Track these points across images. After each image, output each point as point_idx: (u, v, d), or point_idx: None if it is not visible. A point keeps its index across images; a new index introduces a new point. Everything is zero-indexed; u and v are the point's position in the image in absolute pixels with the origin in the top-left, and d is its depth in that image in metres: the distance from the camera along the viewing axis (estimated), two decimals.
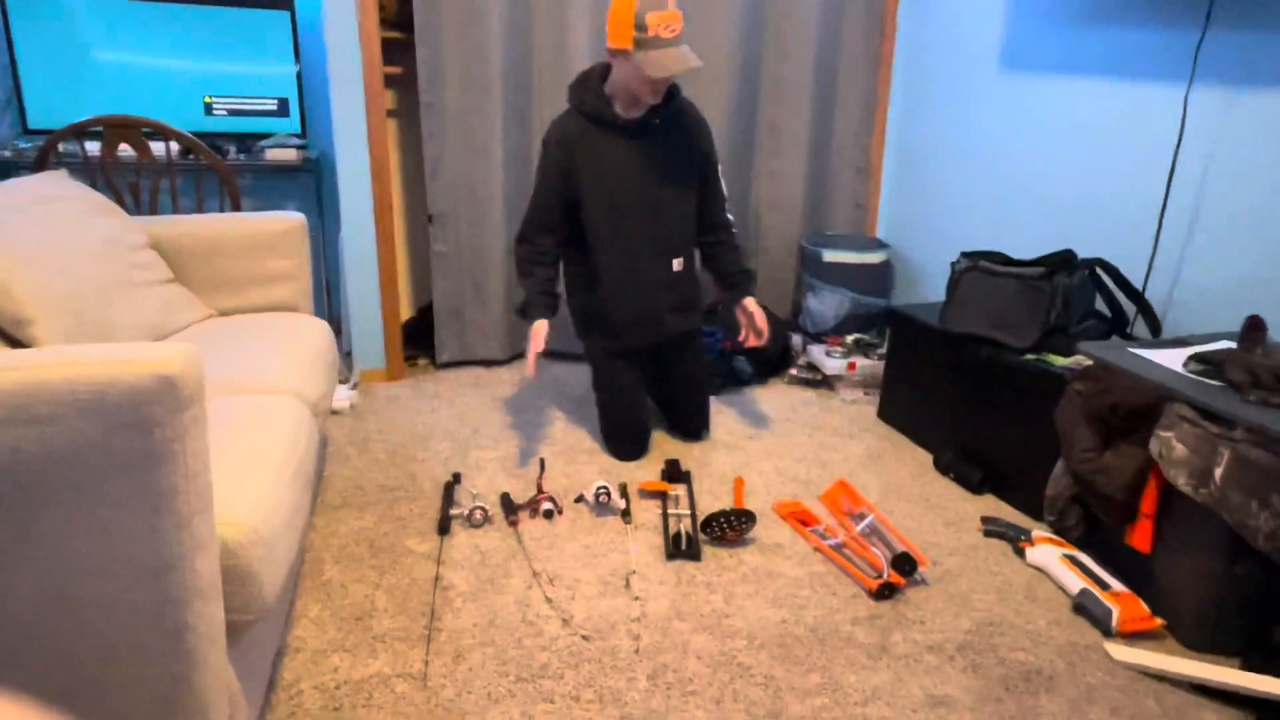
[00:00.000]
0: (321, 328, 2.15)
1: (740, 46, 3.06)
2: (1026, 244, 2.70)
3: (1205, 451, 1.58)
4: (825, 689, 1.58)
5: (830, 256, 3.07)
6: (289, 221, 2.24)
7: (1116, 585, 1.83)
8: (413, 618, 1.74)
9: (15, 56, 2.87)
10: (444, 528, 2.05)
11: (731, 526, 2.01)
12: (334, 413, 2.71)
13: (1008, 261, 2.35)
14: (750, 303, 2.47)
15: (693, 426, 2.61)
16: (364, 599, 1.80)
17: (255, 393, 1.71)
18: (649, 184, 2.33)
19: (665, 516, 2.14)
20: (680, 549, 1.99)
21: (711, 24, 3.01)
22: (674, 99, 2.35)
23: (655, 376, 2.59)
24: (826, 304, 3.11)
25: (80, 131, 2.47)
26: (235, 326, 2.09)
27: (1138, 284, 2.30)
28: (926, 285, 3.21)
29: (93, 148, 2.68)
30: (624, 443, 2.47)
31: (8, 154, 2.84)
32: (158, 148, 2.61)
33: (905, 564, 1.88)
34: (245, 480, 1.30)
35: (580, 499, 2.21)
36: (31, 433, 0.96)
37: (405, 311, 3.27)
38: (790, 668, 1.63)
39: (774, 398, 2.96)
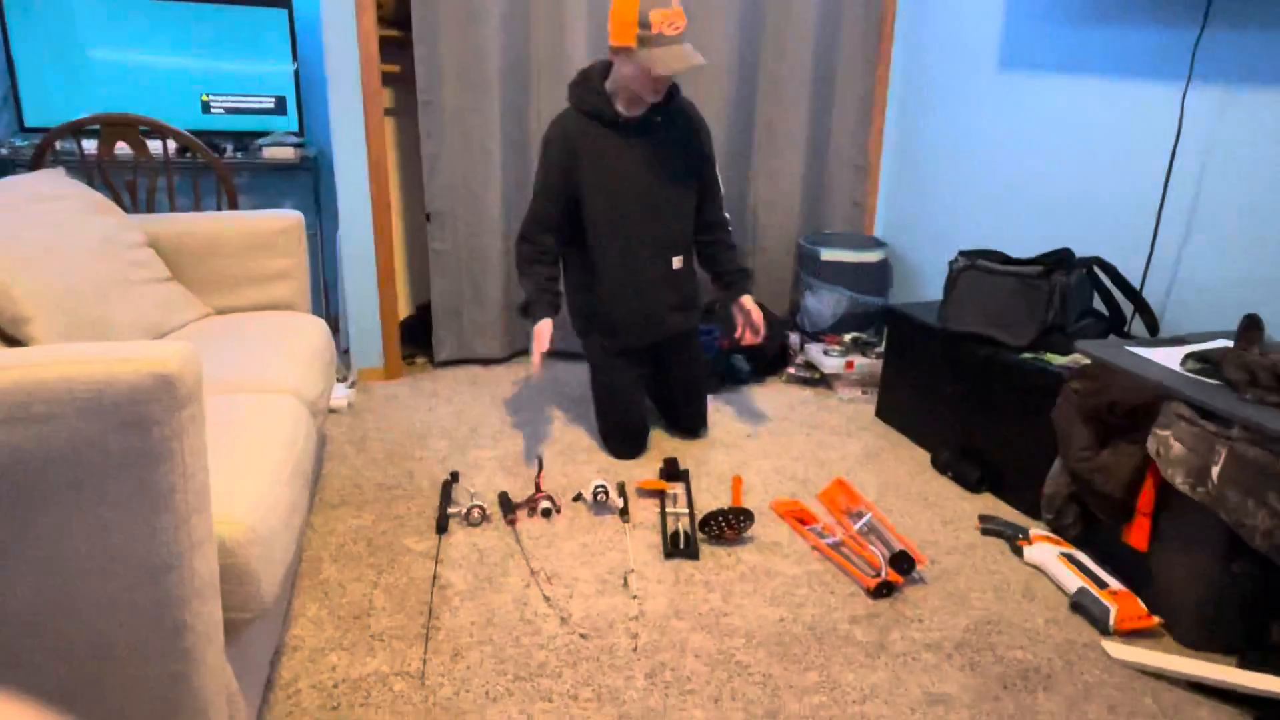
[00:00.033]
0: (319, 326, 2.15)
1: (738, 45, 3.06)
2: (1024, 243, 2.70)
3: (1202, 450, 1.58)
4: (823, 687, 1.58)
5: (828, 255, 3.07)
6: (287, 220, 2.24)
7: (1114, 583, 1.83)
8: (411, 616, 1.74)
9: (12, 54, 2.86)
10: (442, 526, 2.05)
11: (729, 525, 2.01)
12: (332, 411, 2.71)
13: (1005, 260, 2.35)
14: (747, 300, 2.49)
15: (690, 425, 2.61)
16: (362, 598, 1.80)
17: (253, 391, 1.71)
18: (650, 182, 2.33)
19: (663, 515, 2.14)
20: (678, 548, 2.00)
21: (710, 23, 3.01)
22: (674, 98, 2.35)
23: (653, 375, 2.59)
24: (824, 303, 3.11)
25: (77, 130, 2.47)
26: (233, 325, 2.09)
27: (1135, 283, 2.30)
28: (924, 284, 3.21)
29: (90, 146, 2.67)
30: (622, 441, 2.47)
31: (4, 152, 2.83)
32: (155, 146, 2.61)
33: (903, 562, 1.88)
34: (243, 479, 1.30)
35: (578, 497, 2.21)
36: (29, 432, 0.96)
37: (403, 310, 3.27)
38: (788, 666, 1.63)
39: (772, 396, 2.96)
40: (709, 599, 1.83)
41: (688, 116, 2.41)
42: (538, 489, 2.21)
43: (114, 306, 1.83)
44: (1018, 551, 2.03)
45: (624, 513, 2.15)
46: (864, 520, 2.09)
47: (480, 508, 2.09)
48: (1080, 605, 1.81)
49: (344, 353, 3.03)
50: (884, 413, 2.79)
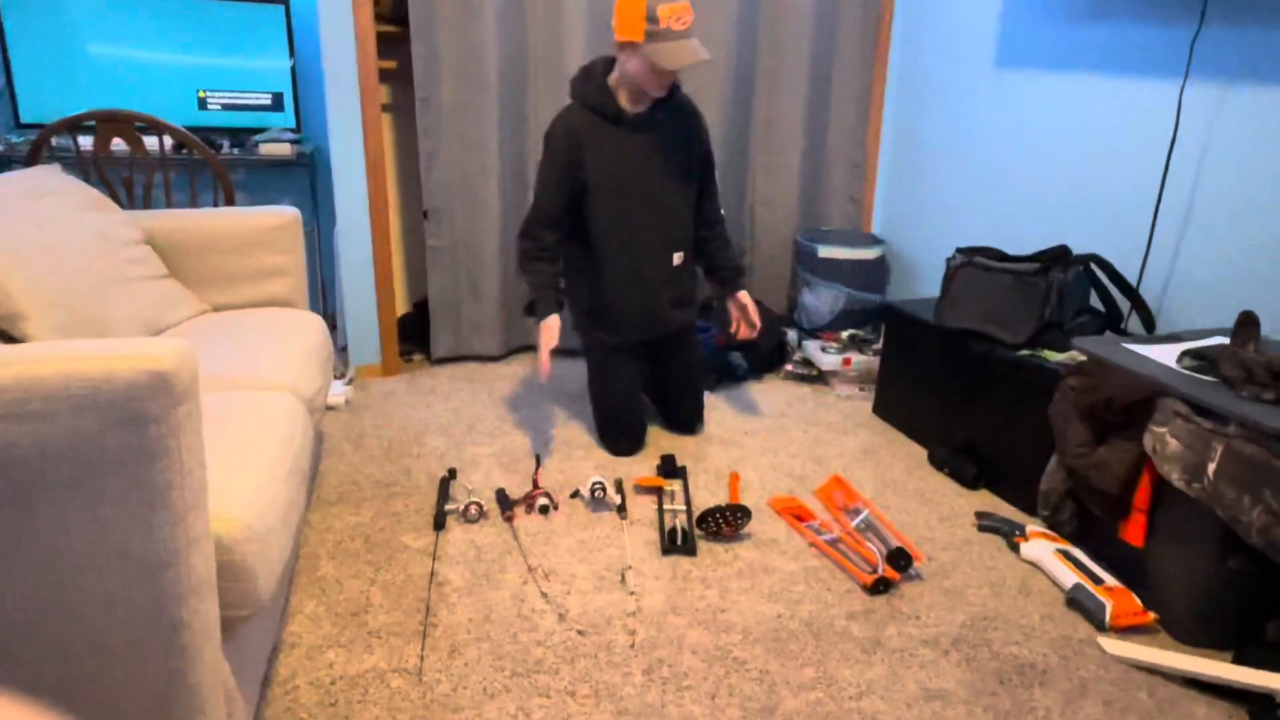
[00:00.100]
0: (316, 323, 2.15)
1: (736, 42, 3.06)
2: (1021, 240, 2.71)
3: (1198, 447, 1.59)
4: (820, 683, 1.59)
5: (825, 252, 3.07)
6: (283, 216, 2.24)
7: (1110, 580, 1.84)
8: (408, 613, 1.74)
9: (7, 50, 2.85)
10: (439, 523, 2.05)
11: (727, 522, 2.02)
12: (329, 408, 2.71)
13: (1003, 257, 2.35)
14: (744, 296, 2.51)
15: (687, 420, 2.62)
16: (359, 594, 1.80)
17: (250, 388, 1.70)
18: (652, 178, 2.34)
19: (661, 512, 2.14)
20: (676, 544, 2.00)
21: (708, 20, 3.00)
22: (675, 94, 2.36)
23: (651, 371, 2.59)
24: (821, 299, 3.11)
25: (73, 126, 2.46)
26: (230, 322, 2.09)
27: (1132, 280, 2.31)
28: (922, 281, 3.22)
29: (86, 142, 2.67)
30: (620, 438, 2.47)
31: (0, 148, 2.82)
32: (151, 142, 2.60)
33: (900, 559, 1.89)
34: (240, 476, 1.30)
35: (576, 494, 2.22)
36: (26, 429, 0.96)
37: (400, 307, 3.26)
38: (785, 662, 1.64)
39: (769, 393, 2.96)
40: (706, 595, 1.83)
41: (689, 113, 2.41)
42: (535, 486, 2.21)
43: (110, 303, 1.83)
44: (1014, 548, 2.03)
45: (621, 509, 2.15)
46: (861, 517, 2.10)
47: (478, 504, 2.09)
48: (1076, 601, 1.82)
49: (341, 349, 3.02)
50: (881, 409, 2.80)
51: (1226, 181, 2.08)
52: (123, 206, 2.30)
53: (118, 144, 2.57)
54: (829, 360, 2.99)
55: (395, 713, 1.48)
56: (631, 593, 1.83)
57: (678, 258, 2.44)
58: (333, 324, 3.22)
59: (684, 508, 2.17)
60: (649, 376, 2.61)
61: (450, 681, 1.56)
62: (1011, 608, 1.83)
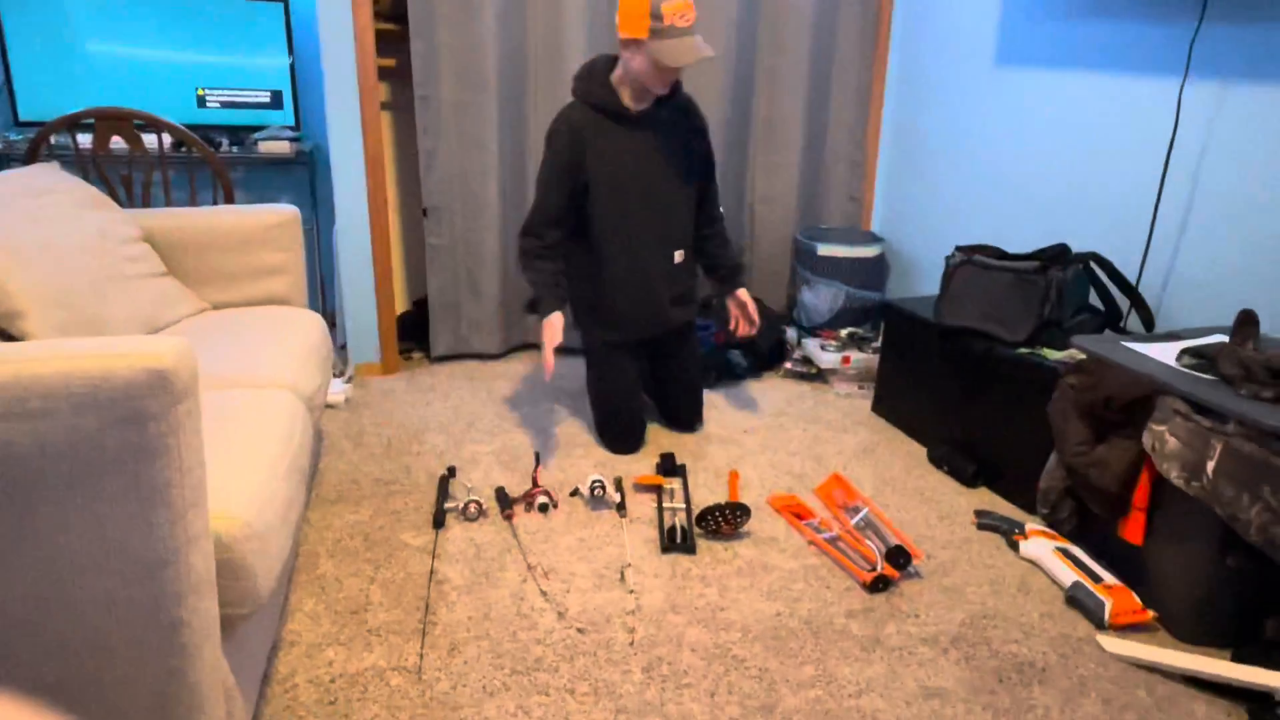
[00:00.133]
0: (316, 321, 2.15)
1: (736, 40, 3.05)
2: (1021, 238, 2.71)
3: (1197, 445, 1.59)
4: (819, 681, 1.59)
5: (825, 250, 3.07)
6: (283, 214, 2.23)
7: (1109, 578, 1.84)
8: (408, 611, 1.74)
9: (6, 48, 2.85)
10: (439, 521, 2.05)
11: (726, 520, 2.02)
12: (329, 406, 2.71)
13: (1002, 255, 2.35)
14: (743, 293, 2.52)
15: (686, 418, 2.62)
16: (359, 593, 1.80)
17: (249, 387, 1.70)
18: (655, 176, 2.34)
19: (660, 510, 2.14)
20: (675, 542, 2.00)
21: (708, 18, 3.00)
22: (677, 92, 2.36)
23: (650, 369, 2.60)
24: (821, 298, 3.11)
25: (72, 123, 2.46)
26: (229, 320, 2.09)
27: (1131, 278, 2.31)
28: (921, 279, 3.22)
29: (84, 140, 2.67)
30: (620, 436, 2.47)
31: None
32: (150, 140, 2.60)
33: (899, 557, 1.89)
34: (239, 474, 1.30)
35: (575, 492, 2.22)
36: (24, 427, 0.96)
37: (400, 305, 3.26)
38: (784, 660, 1.64)
39: (769, 392, 2.96)
40: (705, 593, 1.83)
41: (690, 112, 2.42)
42: (534, 484, 2.21)
43: (109, 301, 1.83)
44: (1013, 546, 2.04)
45: (621, 508, 2.15)
46: (860, 515, 2.10)
47: (477, 503, 2.09)
48: (1075, 599, 1.82)
49: (341, 348, 3.02)
50: (880, 408, 2.80)
51: (1226, 180, 2.08)
52: (122, 204, 2.30)
53: (117, 142, 2.57)
54: (828, 358, 2.99)
55: (395, 711, 1.48)
56: (631, 591, 1.83)
57: (679, 256, 2.44)
58: (332, 322, 3.21)
59: (683, 506, 2.17)
60: (648, 375, 2.61)
61: (450, 679, 1.56)
62: (1011, 606, 1.83)
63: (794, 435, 2.62)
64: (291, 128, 3.14)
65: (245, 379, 1.74)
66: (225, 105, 3.09)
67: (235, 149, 3.05)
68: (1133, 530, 1.80)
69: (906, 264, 3.29)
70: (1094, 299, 2.36)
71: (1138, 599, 1.78)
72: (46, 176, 1.96)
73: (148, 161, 2.55)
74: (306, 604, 1.75)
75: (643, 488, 2.27)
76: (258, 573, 1.23)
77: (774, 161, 3.27)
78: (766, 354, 3.09)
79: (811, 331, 3.17)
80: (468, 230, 2.97)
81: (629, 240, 2.36)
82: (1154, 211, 2.25)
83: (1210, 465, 1.56)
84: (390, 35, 2.83)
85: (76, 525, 1.01)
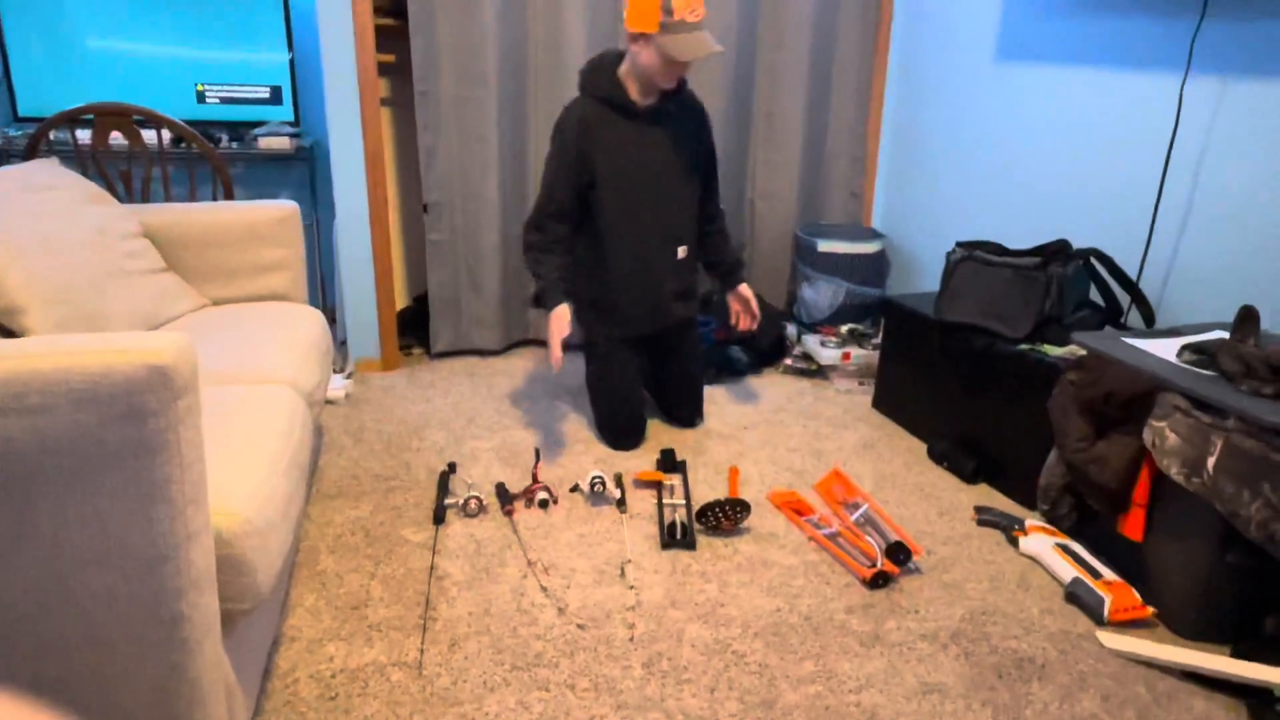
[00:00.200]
0: (316, 317, 2.15)
1: (736, 36, 3.05)
2: (1021, 234, 2.70)
3: (1198, 441, 1.59)
4: (819, 677, 1.59)
5: (825, 246, 3.07)
6: (283, 210, 2.23)
7: (1109, 574, 1.84)
8: (408, 607, 1.74)
9: (5, 43, 2.85)
10: (439, 517, 2.05)
11: (726, 516, 2.02)
12: (329, 402, 2.71)
13: (1003, 251, 2.35)
14: (745, 289, 2.53)
15: (687, 414, 2.62)
16: (359, 588, 1.80)
17: (249, 382, 1.70)
18: (661, 171, 2.34)
19: (660, 506, 2.14)
20: (675, 538, 2.00)
21: (709, 14, 2.99)
22: (683, 88, 2.36)
23: (651, 365, 2.60)
24: (821, 294, 3.11)
25: (71, 119, 2.46)
26: (229, 316, 2.09)
27: (1132, 274, 2.30)
28: (921, 275, 3.21)
29: (84, 136, 2.66)
30: (621, 432, 2.47)
31: None
32: (149, 136, 2.60)
33: (899, 553, 1.89)
34: (240, 470, 1.30)
35: (575, 488, 2.22)
36: (25, 423, 0.96)
37: (400, 301, 3.26)
38: (784, 656, 1.64)
39: (769, 388, 2.96)
40: (705, 589, 1.84)
41: (696, 108, 2.42)
42: (535, 480, 2.21)
43: (109, 297, 1.83)
44: (1013, 542, 2.04)
45: (621, 503, 2.15)
46: (860, 511, 2.10)
47: (477, 499, 2.09)
48: (1075, 595, 1.82)
49: (341, 344, 3.02)
50: (880, 404, 2.80)
51: (1227, 176, 2.08)
52: (121, 200, 2.29)
53: (116, 137, 2.57)
54: (828, 354, 2.99)
55: (395, 706, 1.48)
56: (631, 587, 1.84)
57: (682, 251, 2.44)
58: (332, 318, 3.21)
59: (683, 502, 2.17)
60: (649, 371, 2.61)
61: (450, 675, 1.56)
62: (1010, 602, 1.83)
63: (794, 431, 2.62)
64: (291, 123, 3.14)
65: (245, 375, 1.74)
66: (225, 101, 3.08)
67: (235, 145, 3.05)
68: (1133, 526, 1.80)
69: (907, 260, 3.29)
70: (1095, 295, 2.36)
71: (1137, 595, 1.78)
72: (46, 172, 1.96)
73: (147, 157, 2.54)
74: (307, 599, 1.76)
75: (643, 484, 2.27)
76: (258, 568, 1.23)
77: (774, 158, 3.27)
78: (767, 350, 3.09)
79: (812, 328, 3.17)
80: (468, 226, 2.97)
81: (634, 235, 2.36)
82: (1155, 207, 2.25)
83: (1210, 461, 1.56)
84: (390, 31, 2.82)
85: (76, 521, 1.01)
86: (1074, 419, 1.89)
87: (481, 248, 3.00)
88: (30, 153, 2.48)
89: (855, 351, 2.98)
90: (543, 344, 3.24)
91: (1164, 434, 1.65)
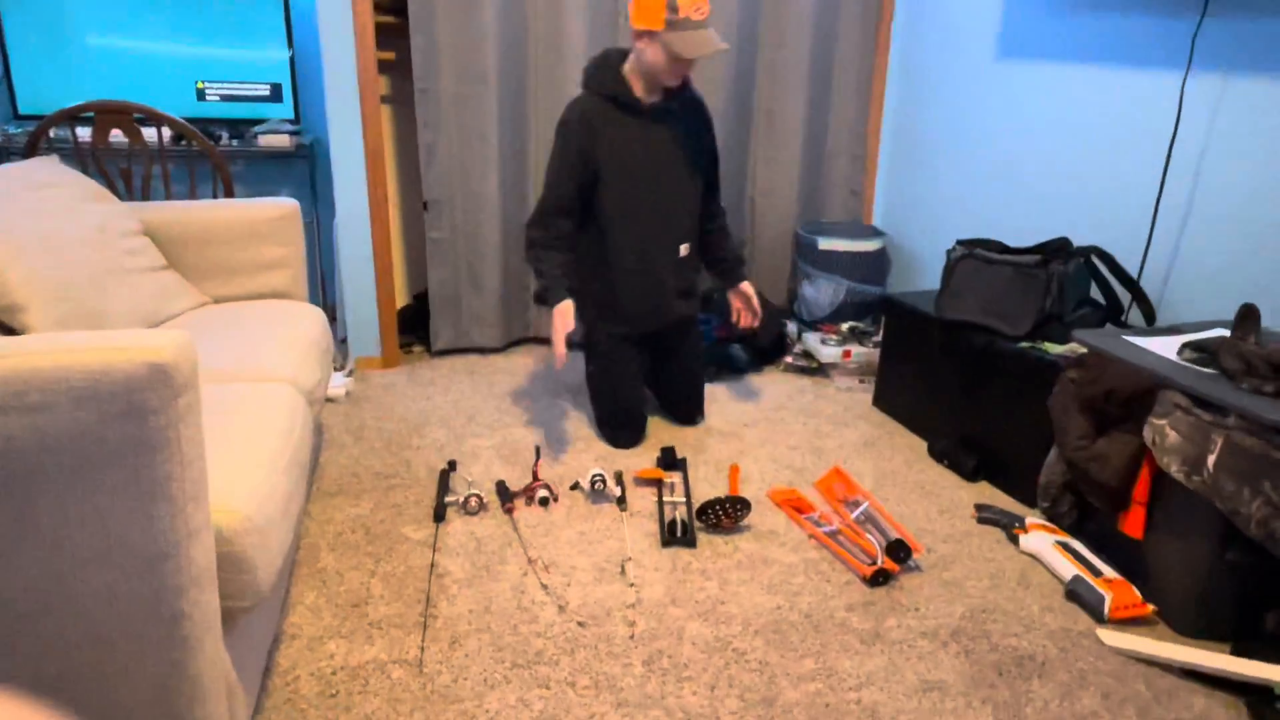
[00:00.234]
0: (316, 315, 2.15)
1: (737, 33, 3.05)
2: (1022, 232, 2.70)
3: (1198, 439, 1.59)
4: (819, 674, 1.59)
5: (825, 244, 3.07)
6: (283, 208, 2.23)
7: (1109, 572, 1.84)
8: (409, 604, 1.75)
9: (6, 41, 2.84)
10: (439, 515, 2.06)
11: (726, 513, 2.02)
12: (329, 400, 2.71)
13: (1003, 249, 2.35)
14: (747, 286, 2.54)
15: (688, 412, 2.62)
16: (360, 586, 1.80)
17: (250, 380, 1.70)
18: (664, 169, 2.35)
19: (661, 504, 2.15)
20: (675, 536, 2.00)
21: (710, 10, 2.99)
22: (687, 86, 2.37)
23: (652, 362, 2.60)
24: (822, 292, 3.11)
25: (71, 117, 2.45)
26: (229, 314, 2.09)
27: (1133, 272, 2.30)
28: (922, 273, 3.21)
29: (84, 133, 2.66)
30: (622, 430, 2.47)
31: None
32: (149, 134, 2.59)
33: (899, 551, 1.89)
34: (240, 468, 1.30)
35: (576, 486, 2.22)
36: (25, 421, 0.96)
37: (400, 299, 3.26)
38: (785, 653, 1.64)
39: (769, 386, 2.96)
40: (706, 587, 1.84)
41: (699, 105, 2.43)
42: (535, 477, 2.21)
43: (110, 295, 1.83)
44: (1013, 540, 2.04)
45: (621, 501, 2.15)
46: (861, 509, 2.10)
47: (478, 496, 2.09)
48: (1075, 593, 1.82)
49: (341, 341, 3.02)
50: (881, 402, 2.80)
51: (1228, 174, 2.07)
52: (121, 198, 2.29)
53: (116, 135, 2.56)
54: (829, 352, 2.99)
55: (396, 704, 1.48)
56: (631, 584, 1.84)
57: (684, 249, 2.45)
58: (332, 316, 3.21)
59: (684, 500, 2.17)
60: (650, 368, 2.61)
61: (451, 673, 1.56)
62: (1010, 600, 1.83)
63: (794, 429, 2.62)
64: (291, 121, 3.13)
65: (246, 373, 1.74)
66: (225, 99, 3.08)
67: (235, 142, 3.05)
68: (1133, 524, 1.80)
69: (907, 258, 3.29)
70: (1095, 293, 2.36)
71: (1137, 593, 1.78)
72: (46, 170, 1.96)
73: (147, 155, 2.54)
74: (307, 597, 1.76)
75: (643, 481, 2.27)
76: (258, 566, 1.23)
77: (775, 155, 3.26)
78: (767, 348, 3.09)
79: (812, 326, 3.17)
80: (468, 224, 2.97)
81: (637, 232, 2.36)
82: (1155, 205, 2.25)
83: (1211, 459, 1.56)
84: (390, 28, 2.82)
85: (77, 519, 1.02)
86: (1074, 417, 1.89)
87: (482, 245, 3.00)
88: (30, 150, 2.48)
89: (856, 349, 2.98)
90: (543, 341, 3.24)
91: (1164, 432, 1.65)
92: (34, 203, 1.80)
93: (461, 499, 2.09)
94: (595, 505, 2.15)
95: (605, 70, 2.30)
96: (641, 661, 1.60)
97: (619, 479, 2.24)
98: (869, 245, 3.10)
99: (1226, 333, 1.81)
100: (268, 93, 3.10)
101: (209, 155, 2.59)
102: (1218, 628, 1.70)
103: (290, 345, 1.90)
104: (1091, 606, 1.78)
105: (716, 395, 2.85)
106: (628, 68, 2.28)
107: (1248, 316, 1.75)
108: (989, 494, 2.28)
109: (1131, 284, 2.25)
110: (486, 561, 1.90)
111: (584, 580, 1.85)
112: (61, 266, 1.72)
